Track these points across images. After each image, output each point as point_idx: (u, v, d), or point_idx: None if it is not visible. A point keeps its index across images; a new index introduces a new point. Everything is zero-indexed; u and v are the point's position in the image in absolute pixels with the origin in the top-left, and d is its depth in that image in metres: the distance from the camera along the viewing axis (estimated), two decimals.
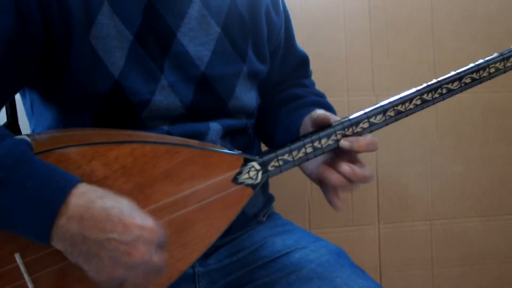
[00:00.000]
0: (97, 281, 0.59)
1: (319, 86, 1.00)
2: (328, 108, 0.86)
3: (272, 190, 0.94)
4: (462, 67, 0.76)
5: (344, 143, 0.71)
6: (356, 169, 0.71)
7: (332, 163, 0.73)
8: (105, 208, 0.57)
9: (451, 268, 1.29)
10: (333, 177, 0.72)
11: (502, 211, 1.30)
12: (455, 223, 1.29)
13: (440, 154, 1.27)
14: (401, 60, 1.25)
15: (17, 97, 0.83)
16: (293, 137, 0.74)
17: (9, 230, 0.59)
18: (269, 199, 0.94)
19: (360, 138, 0.72)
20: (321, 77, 1.02)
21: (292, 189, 1.20)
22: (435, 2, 1.26)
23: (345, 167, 0.71)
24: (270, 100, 0.94)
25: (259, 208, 0.89)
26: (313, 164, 0.76)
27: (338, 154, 0.74)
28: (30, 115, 0.83)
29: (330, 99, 0.95)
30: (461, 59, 1.25)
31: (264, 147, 0.94)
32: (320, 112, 0.74)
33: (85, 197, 0.57)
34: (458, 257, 1.29)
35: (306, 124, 0.78)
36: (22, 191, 0.57)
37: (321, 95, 0.94)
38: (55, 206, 0.56)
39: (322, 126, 0.73)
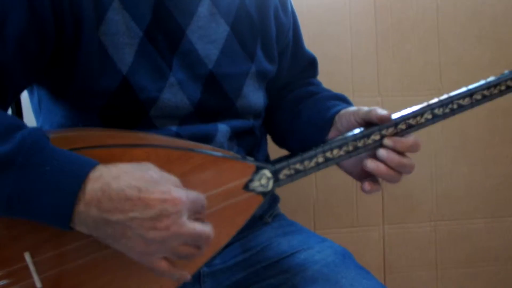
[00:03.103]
0: (137, 260, 0.59)
1: (325, 86, 1.00)
2: (345, 100, 0.87)
3: (277, 191, 0.94)
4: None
5: (387, 142, 0.72)
6: (391, 153, 0.72)
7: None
8: (122, 189, 0.57)
9: (455, 269, 1.29)
10: (372, 163, 0.72)
11: (507, 212, 1.30)
12: (460, 224, 1.29)
13: (445, 155, 1.27)
14: (406, 61, 1.25)
15: (23, 94, 0.83)
16: (321, 125, 0.77)
17: (28, 217, 0.59)
18: (275, 200, 0.94)
19: (403, 138, 0.72)
20: (326, 77, 1.02)
21: (297, 190, 1.20)
22: (440, 3, 1.25)
23: (382, 151, 0.72)
24: (281, 100, 0.94)
25: (265, 209, 0.89)
26: (354, 162, 0.77)
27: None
28: (38, 111, 0.82)
29: None
30: (467, 60, 1.25)
31: (270, 149, 0.94)
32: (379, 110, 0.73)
33: (101, 180, 0.57)
34: (463, 258, 1.29)
35: (347, 117, 0.77)
36: (41, 175, 0.57)
37: (331, 91, 0.94)
38: (73, 194, 0.56)
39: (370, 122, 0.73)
